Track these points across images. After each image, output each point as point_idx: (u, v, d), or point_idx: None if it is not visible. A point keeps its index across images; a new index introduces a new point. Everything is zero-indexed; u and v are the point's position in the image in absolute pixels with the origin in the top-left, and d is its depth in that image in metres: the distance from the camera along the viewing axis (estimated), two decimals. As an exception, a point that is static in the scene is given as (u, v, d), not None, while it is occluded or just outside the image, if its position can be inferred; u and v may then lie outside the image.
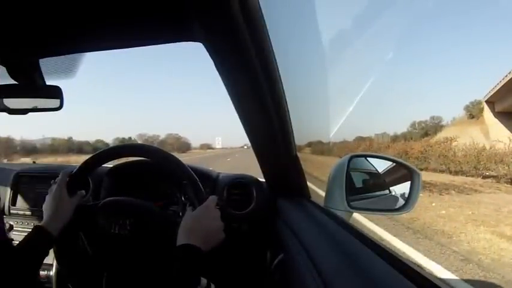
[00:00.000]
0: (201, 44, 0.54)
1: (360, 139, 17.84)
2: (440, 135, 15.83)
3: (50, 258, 1.10)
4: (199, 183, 0.72)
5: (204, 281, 0.54)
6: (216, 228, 0.65)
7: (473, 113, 18.63)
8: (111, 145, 0.90)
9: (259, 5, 0.49)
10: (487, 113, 16.45)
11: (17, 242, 0.67)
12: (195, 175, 0.73)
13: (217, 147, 68.80)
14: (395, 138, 19.30)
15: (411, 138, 17.96)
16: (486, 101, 16.44)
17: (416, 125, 25.12)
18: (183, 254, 0.58)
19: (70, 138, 43.02)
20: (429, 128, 23.67)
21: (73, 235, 0.75)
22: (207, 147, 69.57)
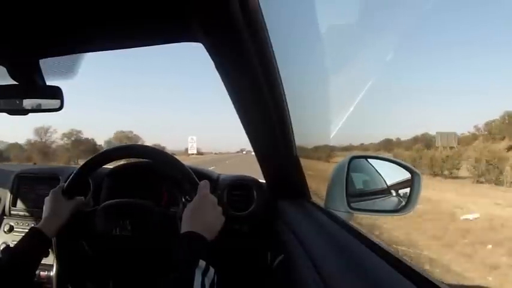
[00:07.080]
0: (201, 44, 0.54)
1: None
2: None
3: (50, 259, 1.11)
4: (193, 175, 0.72)
5: (202, 263, 0.55)
6: (215, 214, 0.66)
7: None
8: None
9: (259, 5, 0.49)
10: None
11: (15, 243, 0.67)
12: (187, 168, 0.73)
13: (192, 151, 50.47)
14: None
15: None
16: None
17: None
18: (186, 240, 0.59)
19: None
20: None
21: (74, 242, 0.76)
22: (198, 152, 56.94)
